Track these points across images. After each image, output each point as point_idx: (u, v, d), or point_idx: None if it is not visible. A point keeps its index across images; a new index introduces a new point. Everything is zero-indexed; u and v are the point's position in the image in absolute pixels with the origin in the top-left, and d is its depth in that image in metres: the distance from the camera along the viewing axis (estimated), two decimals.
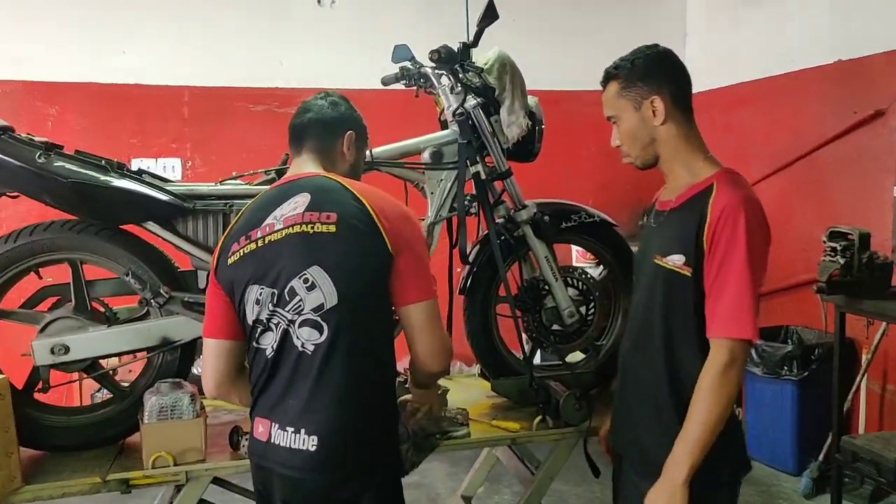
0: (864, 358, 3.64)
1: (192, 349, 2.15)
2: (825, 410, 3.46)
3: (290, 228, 1.53)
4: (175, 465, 1.94)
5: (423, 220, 2.29)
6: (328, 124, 1.70)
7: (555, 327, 2.44)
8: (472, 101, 2.25)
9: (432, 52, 2.18)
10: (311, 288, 1.50)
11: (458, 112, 2.24)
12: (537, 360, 3.07)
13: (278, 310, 1.51)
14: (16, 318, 2.08)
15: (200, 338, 2.08)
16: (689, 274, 1.54)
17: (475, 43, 2.26)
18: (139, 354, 2.13)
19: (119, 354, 2.09)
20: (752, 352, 3.78)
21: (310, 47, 4.54)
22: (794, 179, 4.29)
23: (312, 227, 1.51)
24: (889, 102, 3.69)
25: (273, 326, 1.52)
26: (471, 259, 2.37)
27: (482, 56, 2.35)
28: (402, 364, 1.77)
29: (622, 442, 1.76)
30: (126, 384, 2.22)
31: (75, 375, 2.11)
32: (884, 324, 3.48)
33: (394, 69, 2.41)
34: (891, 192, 3.64)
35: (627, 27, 4.90)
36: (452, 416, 2.28)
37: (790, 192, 4.30)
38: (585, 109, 4.93)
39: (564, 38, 5.01)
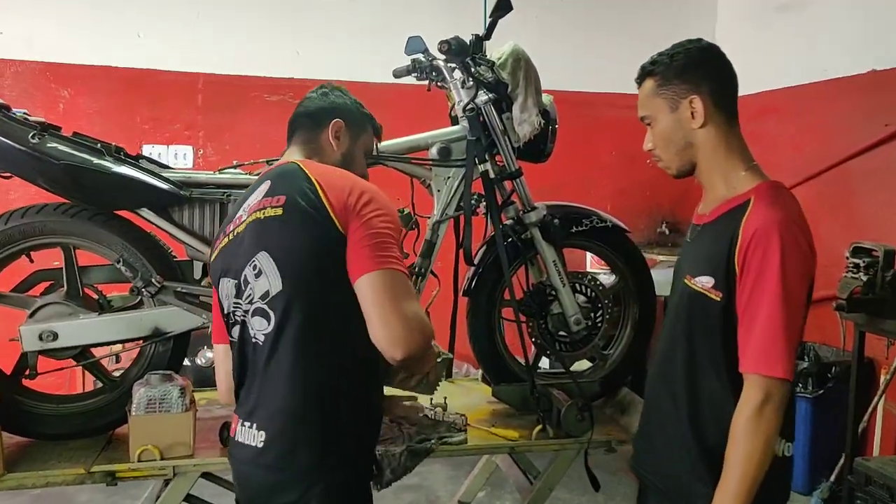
0: (883, 379, 3.52)
1: (185, 341, 2.10)
2: (839, 430, 3.36)
3: (250, 217, 1.50)
4: (162, 459, 1.89)
5: (429, 218, 2.25)
6: (313, 114, 1.64)
7: (561, 334, 2.38)
8: (483, 97, 2.19)
9: (442, 42, 2.11)
10: (259, 275, 1.45)
11: (468, 107, 2.18)
12: (546, 364, 3.04)
13: (238, 301, 1.48)
14: (6, 301, 2.04)
15: (194, 330, 2.05)
16: (718, 299, 1.40)
17: (488, 35, 2.19)
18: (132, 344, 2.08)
19: (109, 343, 2.04)
20: None
21: (327, 39, 4.48)
22: (820, 191, 4.16)
23: (264, 213, 1.47)
24: None
25: (237, 319, 1.50)
26: (476, 260, 2.31)
27: (496, 50, 2.29)
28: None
29: (644, 467, 1.65)
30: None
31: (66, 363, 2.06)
32: None
33: (408, 62, 2.34)
34: None
35: (653, 30, 4.79)
36: (450, 420, 2.23)
37: (815, 205, 4.16)
38: (606, 113, 4.91)
39: (586, 38, 4.92)
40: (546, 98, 2.34)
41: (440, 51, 2.12)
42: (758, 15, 4.69)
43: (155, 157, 4.21)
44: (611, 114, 4.92)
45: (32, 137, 1.84)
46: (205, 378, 2.98)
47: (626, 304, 2.51)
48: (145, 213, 1.99)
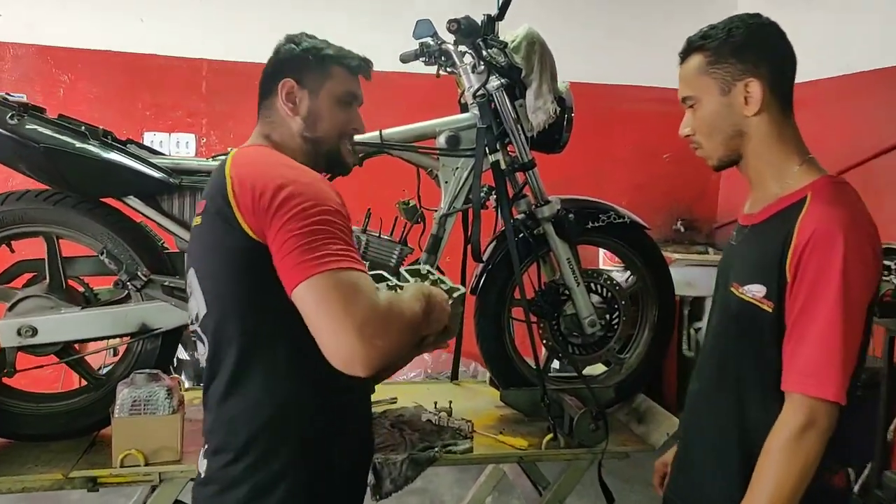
0: None
1: (174, 338, 1.98)
2: (867, 440, 3.19)
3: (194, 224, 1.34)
4: (146, 464, 1.78)
5: (436, 211, 2.14)
6: (264, 81, 1.39)
7: (574, 336, 2.25)
8: (495, 82, 2.06)
9: (451, 21, 1.97)
10: (191, 295, 1.29)
11: (478, 93, 2.06)
12: (555, 365, 2.92)
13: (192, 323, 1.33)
14: None
15: (184, 327, 1.93)
16: (770, 309, 1.25)
17: (500, 16, 2.07)
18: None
19: (92, 340, 1.93)
20: None
21: (335, 25, 4.29)
22: None
23: (195, 222, 1.31)
24: None
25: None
26: (485, 257, 2.19)
27: (509, 33, 2.15)
28: None
29: (681, 491, 1.50)
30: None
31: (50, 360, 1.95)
32: None
33: (416, 46, 2.21)
34: None
35: (672, 21, 4.63)
36: (456, 426, 2.13)
37: None
38: (622, 105, 4.80)
39: (606, 28, 4.77)
40: (562, 85, 2.21)
41: (449, 30, 1.99)
42: (779, 6, 4.49)
43: (157, 145, 4.23)
44: (628, 107, 4.82)
45: (11, 118, 1.73)
46: None
47: (644, 304, 2.39)
48: (132, 201, 1.87)
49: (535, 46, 2.09)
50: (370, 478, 1.81)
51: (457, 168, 2.10)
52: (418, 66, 2.26)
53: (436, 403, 2.23)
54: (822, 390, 1.17)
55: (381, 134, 2.05)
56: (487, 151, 2.06)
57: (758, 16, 1.34)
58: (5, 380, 1.92)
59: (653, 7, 4.81)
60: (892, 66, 3.72)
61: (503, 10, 2.04)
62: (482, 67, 2.05)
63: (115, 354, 2.22)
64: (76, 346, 2.00)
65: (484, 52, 2.04)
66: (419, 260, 2.09)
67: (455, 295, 1.33)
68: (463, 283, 2.25)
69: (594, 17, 4.74)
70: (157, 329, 1.90)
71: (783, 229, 1.24)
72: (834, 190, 1.25)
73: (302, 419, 1.24)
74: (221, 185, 1.19)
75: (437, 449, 1.98)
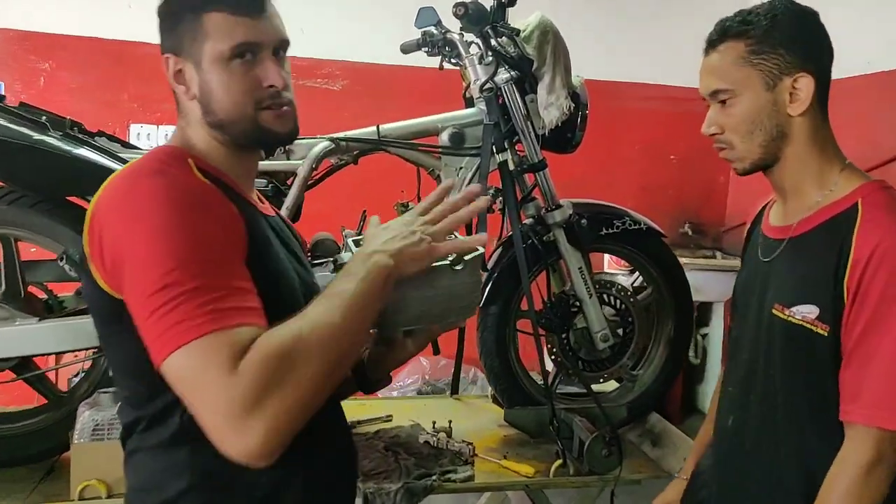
0: None
1: None
2: None
3: None
4: (109, 496, 1.60)
5: None
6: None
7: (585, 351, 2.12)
8: (504, 75, 1.94)
9: (458, 5, 1.82)
10: None
11: (486, 86, 1.93)
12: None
13: None
14: None
15: None
16: (825, 333, 1.13)
17: (512, 1, 1.91)
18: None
19: (50, 354, 1.75)
20: None
21: (333, 15, 4.17)
22: None
23: None
24: None
25: None
26: (490, 265, 2.07)
27: (520, 22, 2.01)
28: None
29: None
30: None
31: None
32: None
33: (419, 36, 2.09)
34: None
35: (687, 17, 4.46)
36: (455, 449, 1.97)
37: None
38: (630, 104, 4.64)
39: (617, 22, 4.59)
40: (576, 79, 2.07)
41: (455, 15, 1.85)
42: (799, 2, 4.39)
43: (144, 138, 4.04)
44: (636, 105, 4.67)
45: None
46: None
47: (659, 317, 2.25)
48: None
49: (549, 36, 1.95)
50: None
51: (461, 168, 1.97)
52: (420, 58, 2.13)
53: (434, 423, 2.08)
54: (893, 422, 1.06)
55: (378, 129, 1.92)
56: (494, 150, 1.94)
57: (792, 3, 1.20)
58: None
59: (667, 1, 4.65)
60: None
61: None
62: (490, 58, 1.93)
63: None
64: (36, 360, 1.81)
65: (493, 42, 1.91)
66: None
67: (468, 258, 1.03)
68: None
69: (599, 9, 4.56)
70: None
71: (834, 243, 1.12)
72: (888, 198, 1.14)
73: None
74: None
75: (434, 477, 1.83)
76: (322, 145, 1.87)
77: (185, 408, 0.87)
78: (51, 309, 1.78)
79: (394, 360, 1.14)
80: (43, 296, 1.81)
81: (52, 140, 1.60)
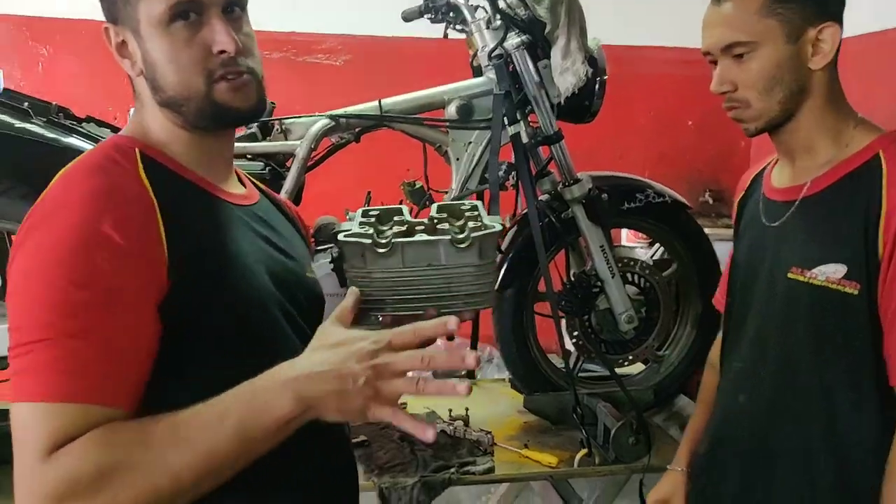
0: None
1: None
2: None
3: None
4: None
5: (446, 193, 1.93)
6: None
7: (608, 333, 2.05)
8: (514, 39, 1.84)
9: None
10: None
11: (495, 53, 1.84)
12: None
13: None
14: None
15: None
16: (855, 291, 1.07)
17: None
18: None
19: None
20: None
21: None
22: None
23: None
24: None
25: None
26: (504, 245, 2.01)
27: None
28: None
29: None
30: None
31: None
32: None
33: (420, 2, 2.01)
34: None
35: None
36: (474, 439, 1.92)
37: None
38: (643, 69, 4.51)
39: None
40: (592, 42, 1.97)
41: None
42: None
43: None
44: (649, 70, 4.55)
45: None
46: None
47: (686, 295, 2.17)
48: None
49: None
50: None
51: (470, 143, 1.90)
52: (429, 29, 2.03)
53: (450, 411, 2.02)
54: None
55: (380, 104, 1.84)
56: (506, 122, 1.86)
57: None
58: None
59: None
60: None
61: None
62: (498, 22, 1.83)
63: None
64: None
65: (501, 3, 1.82)
66: None
67: (476, 235, 0.90)
68: None
69: None
70: None
71: (860, 196, 1.08)
72: None
73: None
74: None
75: (453, 469, 1.78)
76: (321, 123, 1.79)
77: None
78: None
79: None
80: None
81: (36, 128, 1.55)
